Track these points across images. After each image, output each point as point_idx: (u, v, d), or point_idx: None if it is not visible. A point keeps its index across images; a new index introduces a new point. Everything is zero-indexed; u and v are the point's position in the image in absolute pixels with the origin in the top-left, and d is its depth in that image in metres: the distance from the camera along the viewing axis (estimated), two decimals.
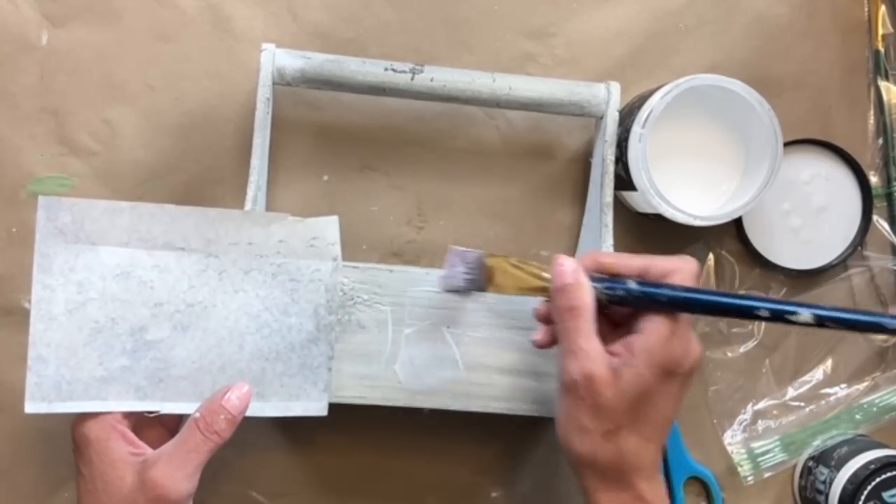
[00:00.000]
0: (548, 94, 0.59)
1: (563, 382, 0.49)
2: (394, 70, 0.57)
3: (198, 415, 0.50)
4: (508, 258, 0.53)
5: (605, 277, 0.50)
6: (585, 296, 0.49)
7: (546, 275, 0.51)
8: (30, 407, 0.50)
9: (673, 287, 0.49)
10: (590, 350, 0.48)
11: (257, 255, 0.52)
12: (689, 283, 0.49)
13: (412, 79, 0.57)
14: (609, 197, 0.59)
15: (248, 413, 0.51)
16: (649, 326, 0.48)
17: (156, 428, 0.53)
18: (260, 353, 0.52)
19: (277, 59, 0.57)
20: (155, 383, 0.51)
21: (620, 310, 0.51)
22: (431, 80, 0.58)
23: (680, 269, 0.49)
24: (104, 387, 0.51)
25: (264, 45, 0.57)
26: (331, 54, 0.58)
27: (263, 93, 0.57)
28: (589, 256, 0.51)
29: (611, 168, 0.59)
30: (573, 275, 0.49)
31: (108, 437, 0.50)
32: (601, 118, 0.59)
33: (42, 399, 0.50)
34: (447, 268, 0.53)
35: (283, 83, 0.57)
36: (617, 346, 0.49)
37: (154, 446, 0.51)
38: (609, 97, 0.59)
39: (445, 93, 0.58)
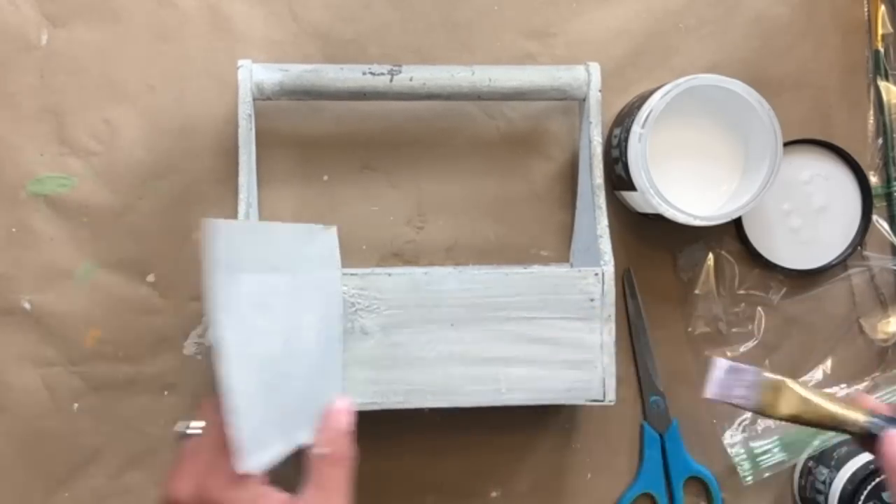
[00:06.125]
0: (528, 81, 0.59)
1: None
2: (372, 73, 0.57)
3: (325, 451, 0.47)
4: (793, 382, 0.48)
5: None
6: None
7: (857, 416, 0.47)
8: (247, 464, 0.44)
9: None
10: None
11: (309, 270, 0.51)
12: None
13: (391, 80, 0.57)
14: (599, 179, 0.58)
15: (304, 441, 0.48)
16: None
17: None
18: (319, 370, 0.51)
19: (255, 74, 0.56)
20: (294, 412, 0.48)
21: None
22: (411, 79, 0.57)
23: None
24: (285, 423, 0.47)
25: (240, 62, 0.57)
26: (308, 64, 0.58)
27: (244, 109, 0.56)
28: None
29: (598, 150, 0.59)
30: None
31: (265, 493, 0.45)
32: (584, 100, 0.60)
33: (257, 450, 0.44)
34: (715, 380, 0.49)
35: (263, 98, 0.57)
36: None
37: None
38: (590, 78, 0.59)
39: (426, 91, 0.58)
